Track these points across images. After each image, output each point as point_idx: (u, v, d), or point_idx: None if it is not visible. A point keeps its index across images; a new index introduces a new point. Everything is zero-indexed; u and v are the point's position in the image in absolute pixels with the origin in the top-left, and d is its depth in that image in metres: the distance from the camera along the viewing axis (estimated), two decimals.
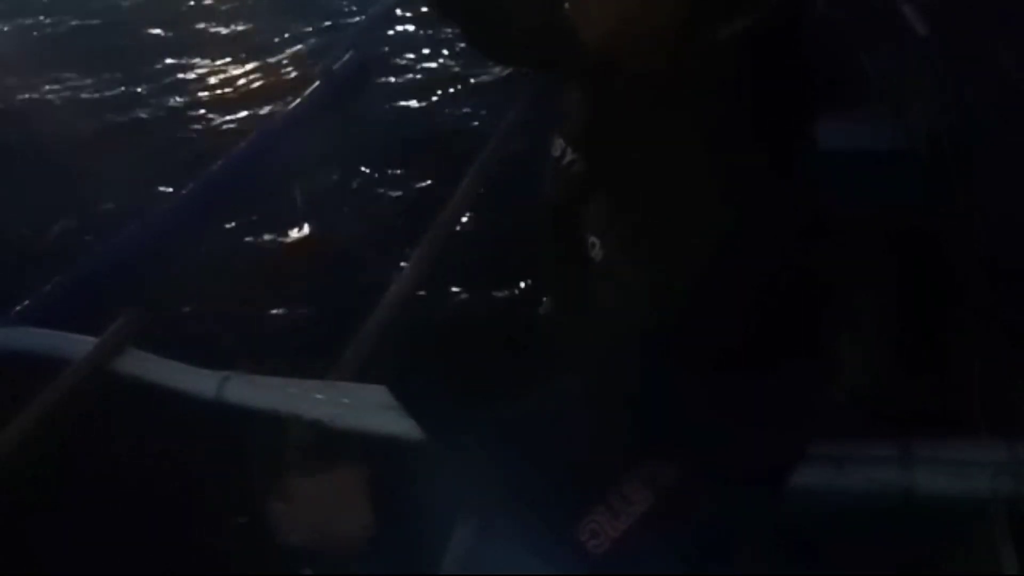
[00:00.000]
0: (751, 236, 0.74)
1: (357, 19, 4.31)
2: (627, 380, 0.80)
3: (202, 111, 3.71)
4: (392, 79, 3.79)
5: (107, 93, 3.86)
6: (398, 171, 3.08)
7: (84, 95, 3.85)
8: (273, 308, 2.41)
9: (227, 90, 3.88)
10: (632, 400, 0.80)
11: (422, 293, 2.16)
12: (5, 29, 4.73)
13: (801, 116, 0.81)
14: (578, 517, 0.86)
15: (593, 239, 0.85)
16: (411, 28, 4.21)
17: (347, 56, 3.74)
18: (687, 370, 0.77)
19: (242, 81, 3.96)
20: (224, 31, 4.59)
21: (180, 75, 4.04)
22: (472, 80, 3.56)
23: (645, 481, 0.87)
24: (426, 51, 3.94)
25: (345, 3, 4.68)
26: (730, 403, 0.80)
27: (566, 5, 0.82)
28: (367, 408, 1.61)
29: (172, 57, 4.27)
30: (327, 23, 4.48)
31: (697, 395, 0.79)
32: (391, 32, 4.15)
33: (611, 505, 0.87)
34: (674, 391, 0.79)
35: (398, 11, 4.33)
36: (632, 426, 0.82)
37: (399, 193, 2.90)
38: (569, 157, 0.93)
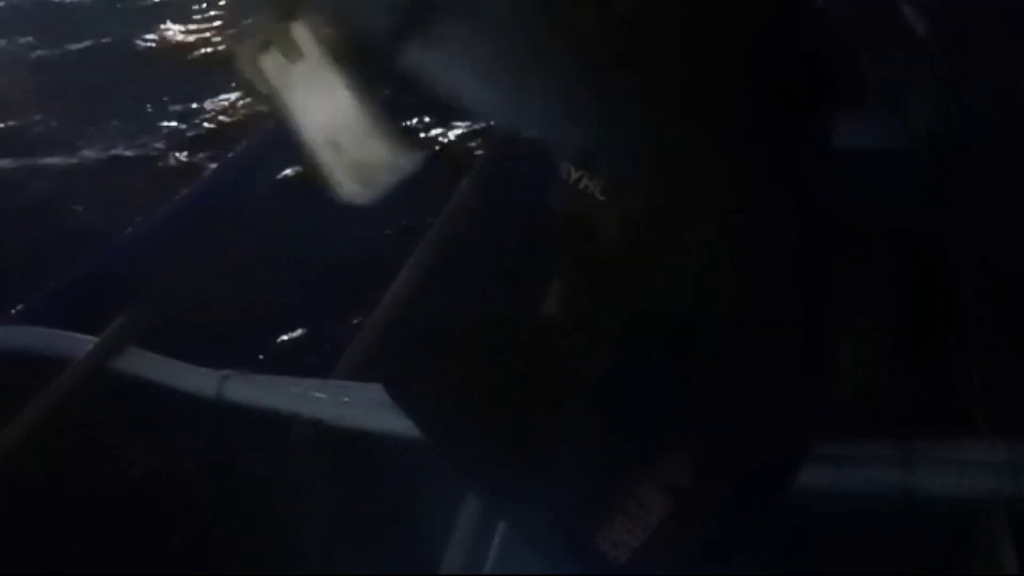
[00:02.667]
0: (757, 237, 0.74)
1: None
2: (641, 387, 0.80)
3: (202, 113, 3.71)
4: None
5: (109, 98, 3.86)
6: None
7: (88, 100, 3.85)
8: (273, 308, 2.40)
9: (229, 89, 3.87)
10: (644, 405, 0.80)
11: (422, 293, 2.16)
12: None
13: (802, 117, 0.81)
14: (597, 527, 0.86)
15: (598, 242, 0.84)
16: None
17: None
18: (694, 371, 0.77)
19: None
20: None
21: (182, 76, 4.04)
22: None
23: (662, 488, 0.86)
24: None
25: None
26: (732, 403, 0.80)
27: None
28: (367, 407, 1.60)
29: (174, 61, 4.27)
30: None
31: (701, 396, 0.79)
32: None
33: (630, 514, 0.87)
34: (681, 393, 0.79)
35: None
36: (644, 431, 0.82)
37: (399, 192, 2.89)
38: (575, 176, 0.93)
